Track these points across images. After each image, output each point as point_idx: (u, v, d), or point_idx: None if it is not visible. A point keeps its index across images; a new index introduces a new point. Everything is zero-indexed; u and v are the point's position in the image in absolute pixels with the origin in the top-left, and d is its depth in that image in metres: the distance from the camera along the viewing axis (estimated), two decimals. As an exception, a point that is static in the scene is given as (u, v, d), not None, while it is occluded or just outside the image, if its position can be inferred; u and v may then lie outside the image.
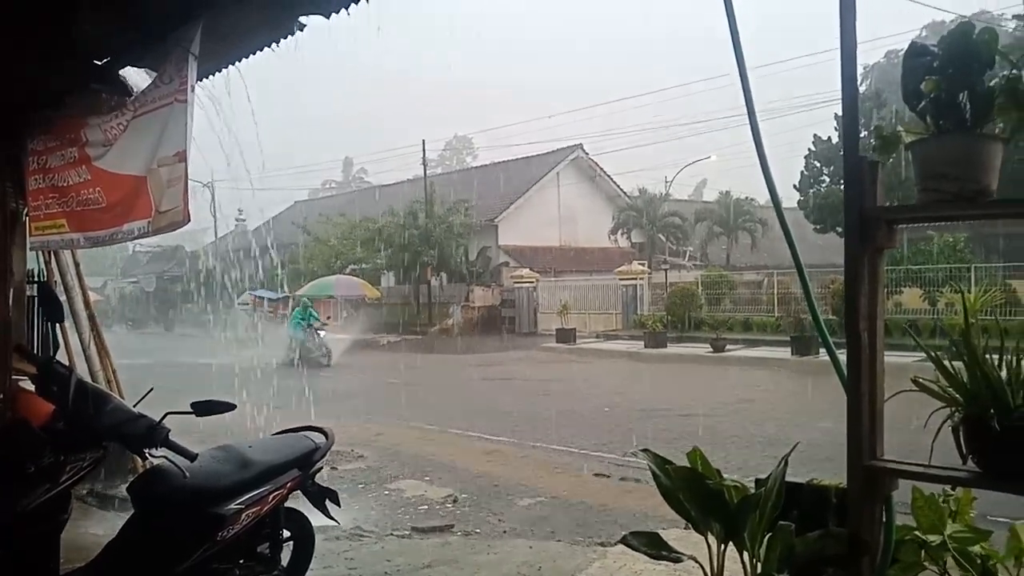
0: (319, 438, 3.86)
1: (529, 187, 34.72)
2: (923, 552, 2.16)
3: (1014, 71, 2.01)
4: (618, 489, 6.75)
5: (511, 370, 17.50)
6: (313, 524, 3.89)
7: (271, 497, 3.45)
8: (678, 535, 3.85)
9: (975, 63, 2.03)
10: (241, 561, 3.48)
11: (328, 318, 22.54)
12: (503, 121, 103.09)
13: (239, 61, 4.47)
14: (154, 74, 4.27)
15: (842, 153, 2.39)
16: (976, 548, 2.13)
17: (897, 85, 2.19)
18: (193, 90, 3.94)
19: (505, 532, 5.51)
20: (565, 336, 23.55)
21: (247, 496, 3.31)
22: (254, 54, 4.37)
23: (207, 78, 4.45)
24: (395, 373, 16.97)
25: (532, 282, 29.34)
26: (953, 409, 2.02)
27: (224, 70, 4.50)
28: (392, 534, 5.41)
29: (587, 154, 36.88)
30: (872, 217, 2.18)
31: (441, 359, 20.98)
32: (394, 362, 19.89)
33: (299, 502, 3.83)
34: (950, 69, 2.05)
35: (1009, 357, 1.97)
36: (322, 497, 3.86)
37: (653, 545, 2.30)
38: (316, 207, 44.93)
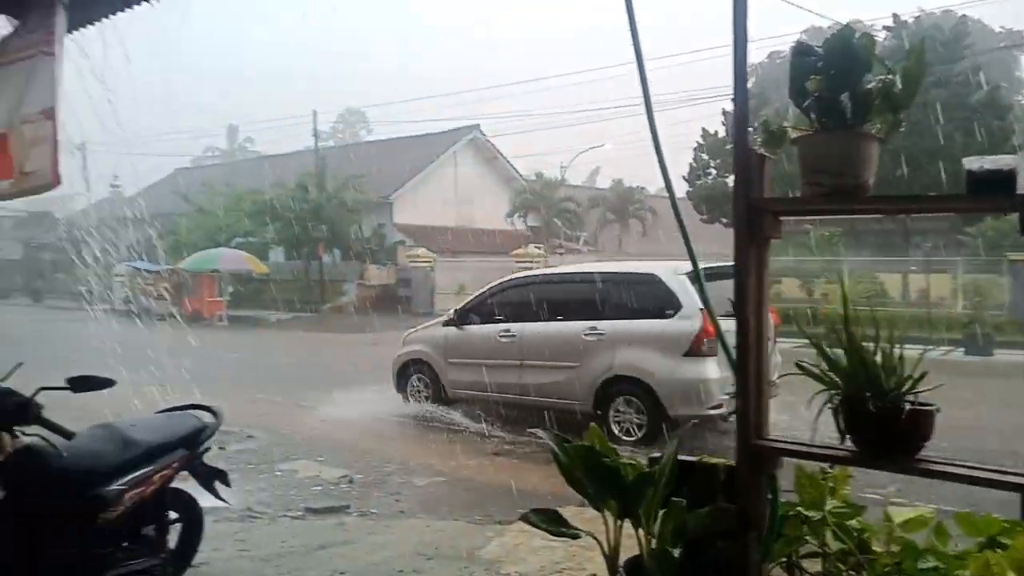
0: (207, 417, 3.74)
1: (425, 165, 34.32)
2: (805, 526, 2.31)
3: (888, 76, 2.15)
4: (518, 468, 6.80)
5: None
6: (202, 505, 3.76)
7: (156, 477, 3.32)
8: (573, 512, 3.95)
9: (855, 65, 2.16)
10: (124, 544, 3.33)
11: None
12: (398, 98, 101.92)
13: (115, 13, 4.17)
14: (16, 22, 3.94)
15: (730, 146, 2.49)
16: (853, 522, 2.29)
17: (779, 84, 2.32)
18: (62, 42, 3.67)
19: (403, 512, 5.49)
20: (461, 317, 23.50)
21: (130, 477, 3.18)
22: (131, 7, 4.09)
23: (78, 29, 4.14)
24: (288, 352, 16.51)
25: (429, 262, 29.15)
26: (833, 392, 2.15)
27: (98, 22, 4.20)
28: (285, 515, 5.29)
29: (484, 135, 36.82)
30: (759, 208, 2.29)
31: (336, 338, 20.56)
32: (286, 341, 19.35)
33: (187, 483, 3.69)
34: (833, 70, 2.17)
35: (882, 344, 2.12)
36: (211, 477, 3.74)
37: (552, 522, 2.35)
38: (198, 175, 42.84)
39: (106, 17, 4.18)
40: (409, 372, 9.42)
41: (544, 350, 8.03)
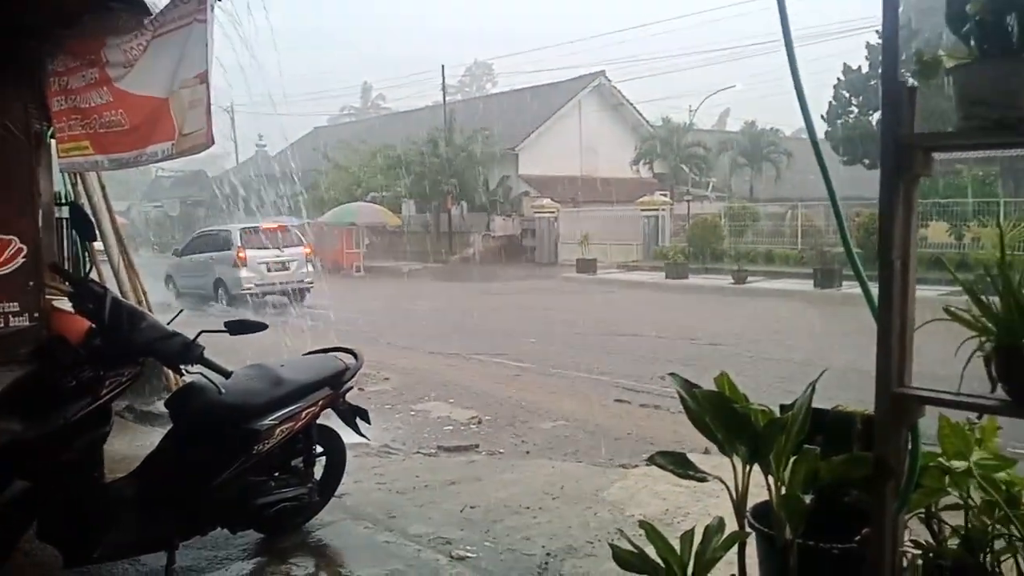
0: (349, 359, 3.95)
1: (550, 115, 34.08)
2: (947, 478, 2.20)
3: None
4: (639, 414, 6.87)
5: (532, 299, 17.60)
6: (345, 441, 4.01)
7: (303, 414, 3.55)
8: (697, 459, 3.94)
9: (1027, -18, 1.95)
10: (276, 474, 3.61)
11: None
12: (523, 47, 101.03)
13: (259, -22, 4.35)
14: (172, -8, 4.19)
15: (874, 82, 2.33)
16: (1001, 475, 2.16)
17: (928, 14, 2.12)
18: (212, 9, 3.87)
19: (528, 452, 5.65)
20: (585, 266, 23.59)
21: (280, 412, 3.42)
22: (273, -29, 4.26)
23: (228, -3, 4.35)
24: (420, 301, 17.12)
25: (553, 212, 29.18)
26: (984, 339, 2.02)
27: (245, -11, 4.39)
28: (419, 452, 5.58)
29: (610, 81, 35.99)
30: (909, 144, 2.13)
31: (463, 287, 21.14)
32: (418, 290, 20.05)
33: (331, 420, 3.94)
34: (998, -11, 1.97)
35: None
36: (353, 415, 3.97)
37: (680, 465, 2.36)
38: (336, 133, 44.55)
39: (250, -19, 4.37)
40: (170, 281, 18.64)
41: (202, 267, 17.44)
